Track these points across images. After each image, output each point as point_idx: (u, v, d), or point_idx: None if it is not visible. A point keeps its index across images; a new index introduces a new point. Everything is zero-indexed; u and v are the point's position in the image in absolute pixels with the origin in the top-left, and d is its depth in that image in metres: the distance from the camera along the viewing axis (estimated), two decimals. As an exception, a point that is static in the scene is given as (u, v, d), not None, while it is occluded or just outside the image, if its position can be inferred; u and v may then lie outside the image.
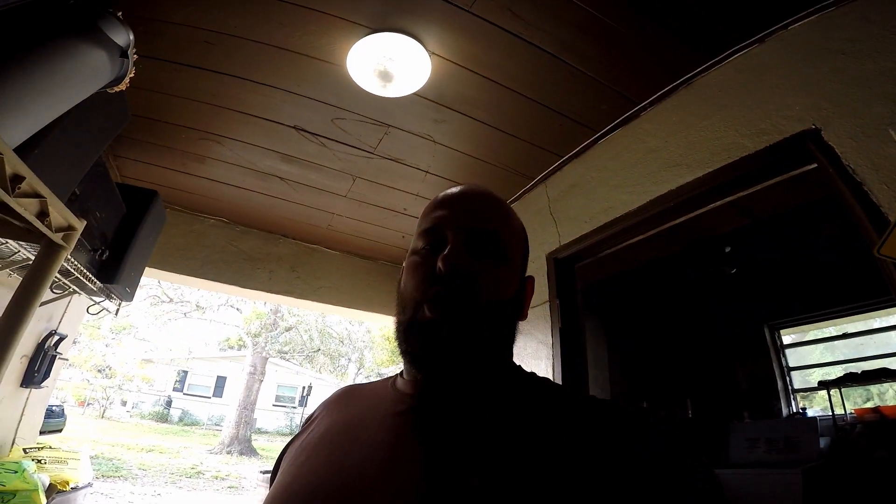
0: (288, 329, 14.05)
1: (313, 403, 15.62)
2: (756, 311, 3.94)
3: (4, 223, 0.98)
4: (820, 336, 4.19)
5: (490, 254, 0.54)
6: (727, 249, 3.24)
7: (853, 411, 3.10)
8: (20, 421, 2.08)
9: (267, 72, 1.71)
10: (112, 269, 1.72)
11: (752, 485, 2.57)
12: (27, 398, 2.12)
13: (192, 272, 2.75)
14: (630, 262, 2.94)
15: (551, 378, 1.54)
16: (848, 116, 1.10)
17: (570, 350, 1.81)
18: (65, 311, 2.25)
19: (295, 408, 18.98)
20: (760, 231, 2.90)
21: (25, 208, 0.95)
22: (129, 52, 1.20)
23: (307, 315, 13.87)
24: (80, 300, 2.13)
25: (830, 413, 3.10)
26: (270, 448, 12.82)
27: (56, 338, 2.16)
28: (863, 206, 1.02)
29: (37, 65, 0.94)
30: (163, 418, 16.94)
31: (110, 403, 16.16)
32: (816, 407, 4.16)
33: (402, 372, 0.59)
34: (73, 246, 1.12)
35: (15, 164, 0.88)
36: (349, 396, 0.61)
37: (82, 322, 2.71)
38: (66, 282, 1.63)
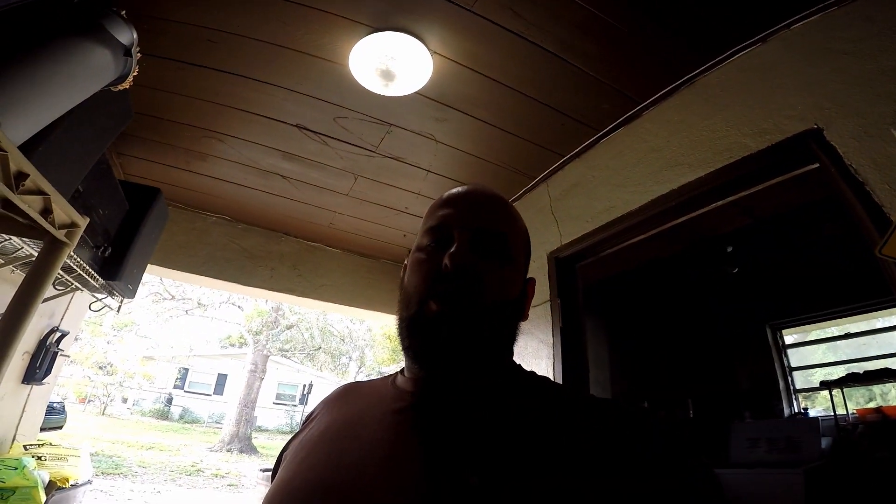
0: (289, 327, 14.06)
1: (314, 401, 15.52)
2: (757, 311, 3.92)
3: (8, 220, 0.98)
4: (822, 336, 4.17)
5: (496, 254, 0.54)
6: (729, 249, 3.23)
7: (855, 411, 3.08)
8: (21, 417, 2.09)
9: (269, 70, 1.72)
10: (114, 266, 1.73)
11: (753, 485, 2.56)
12: (28, 395, 2.12)
13: (194, 269, 2.76)
14: (631, 262, 2.94)
15: (552, 377, 1.54)
16: (850, 116, 1.10)
17: (570, 349, 1.81)
18: (67, 308, 2.25)
19: (295, 406, 19.00)
20: (762, 231, 2.89)
21: (29, 205, 0.95)
22: (132, 50, 1.21)
23: (308, 313, 13.88)
24: (83, 297, 2.13)
25: (832, 413, 3.09)
26: (271, 446, 12.84)
27: (58, 334, 2.17)
28: (865, 206, 1.02)
29: (41, 63, 0.94)
30: (163, 416, 16.96)
31: (111, 400, 16.22)
32: (818, 407, 4.14)
33: (402, 370, 0.60)
34: (75, 243, 1.13)
35: (19, 162, 0.89)
36: (349, 394, 0.61)
37: (84, 319, 2.71)
38: (68, 278, 1.63)
